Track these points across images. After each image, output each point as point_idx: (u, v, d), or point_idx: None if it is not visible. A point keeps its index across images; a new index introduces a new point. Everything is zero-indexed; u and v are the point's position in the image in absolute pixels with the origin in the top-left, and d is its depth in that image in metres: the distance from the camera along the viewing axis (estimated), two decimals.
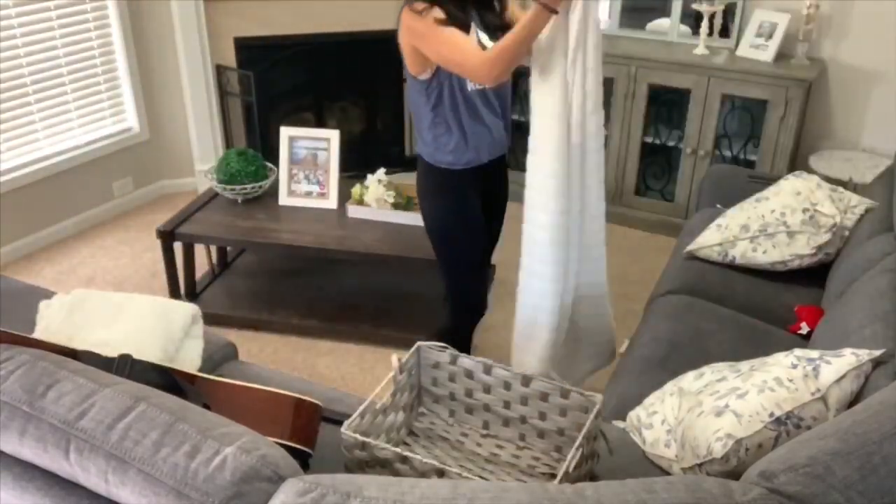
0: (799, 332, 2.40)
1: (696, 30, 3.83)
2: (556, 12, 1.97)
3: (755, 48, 3.66)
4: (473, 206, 2.39)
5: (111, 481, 1.27)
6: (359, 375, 2.96)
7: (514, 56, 2.03)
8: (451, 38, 2.07)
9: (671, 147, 3.92)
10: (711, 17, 3.70)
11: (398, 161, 4.59)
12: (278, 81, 4.26)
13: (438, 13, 2.07)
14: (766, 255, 2.63)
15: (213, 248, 3.52)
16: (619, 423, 1.97)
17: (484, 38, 2.19)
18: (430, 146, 2.29)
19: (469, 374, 1.78)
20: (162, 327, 1.94)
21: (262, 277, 3.52)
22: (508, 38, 2.01)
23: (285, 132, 3.30)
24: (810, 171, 3.39)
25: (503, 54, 2.01)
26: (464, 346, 2.57)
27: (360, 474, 1.50)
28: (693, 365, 2.06)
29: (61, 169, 3.86)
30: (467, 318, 2.58)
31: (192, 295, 3.35)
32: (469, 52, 2.05)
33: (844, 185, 3.27)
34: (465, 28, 2.13)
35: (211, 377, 1.68)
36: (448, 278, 2.50)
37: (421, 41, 2.10)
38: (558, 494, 1.17)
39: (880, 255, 2.28)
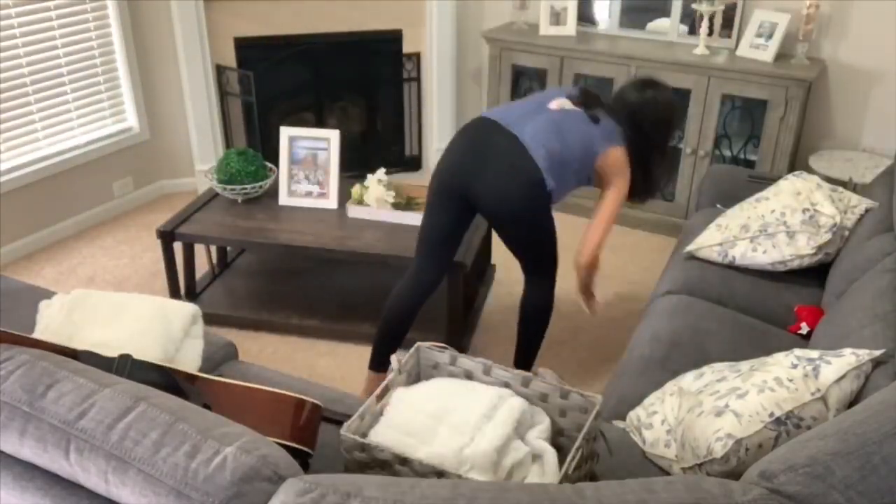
0: (799, 332, 2.40)
1: (692, 29, 3.83)
2: None
3: (755, 48, 3.66)
4: None
5: (111, 481, 1.27)
6: (359, 375, 2.96)
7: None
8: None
9: (671, 147, 3.92)
10: (711, 17, 3.70)
11: (398, 161, 4.59)
12: (278, 81, 4.26)
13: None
14: (766, 255, 2.63)
15: (213, 248, 3.52)
16: (619, 423, 1.97)
17: None
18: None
19: (469, 375, 1.78)
20: (162, 327, 1.94)
21: (262, 277, 3.52)
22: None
23: (285, 132, 3.30)
24: (810, 171, 3.39)
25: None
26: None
27: (360, 474, 1.50)
28: (693, 365, 2.06)
29: (61, 169, 3.86)
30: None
31: (192, 295, 3.35)
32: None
33: (844, 185, 3.27)
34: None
35: (211, 377, 1.68)
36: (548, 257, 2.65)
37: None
38: (558, 494, 1.17)
39: (880, 255, 2.28)
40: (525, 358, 2.73)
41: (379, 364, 2.69)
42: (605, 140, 2.50)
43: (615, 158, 2.51)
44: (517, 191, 2.39)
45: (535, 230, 2.50)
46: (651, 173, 2.63)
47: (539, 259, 2.60)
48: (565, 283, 3.55)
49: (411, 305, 2.64)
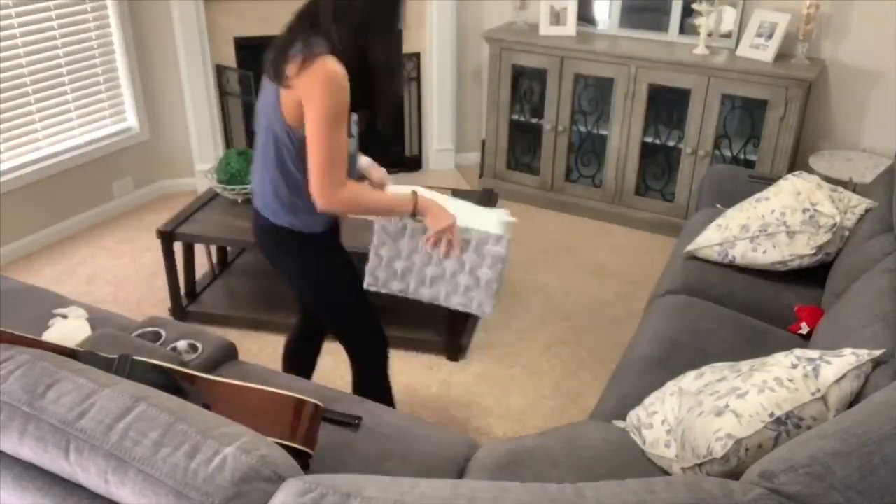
0: (799, 332, 2.40)
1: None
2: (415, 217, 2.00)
3: (755, 48, 3.66)
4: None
5: (111, 481, 1.27)
6: None
7: (357, 212, 1.97)
8: (340, 134, 1.88)
9: (671, 147, 3.92)
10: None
11: (398, 161, 4.59)
12: None
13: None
14: (766, 255, 2.63)
15: (213, 248, 3.52)
16: (619, 423, 1.97)
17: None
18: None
19: None
20: None
21: (262, 277, 3.52)
22: (371, 201, 1.98)
23: None
24: (810, 171, 3.39)
25: (352, 207, 1.93)
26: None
27: (360, 475, 1.50)
28: (693, 365, 2.06)
29: (61, 169, 3.86)
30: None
31: (192, 295, 3.35)
32: (338, 165, 1.87)
33: (844, 185, 3.27)
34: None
35: (211, 377, 1.68)
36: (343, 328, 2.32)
37: (316, 102, 1.83)
38: (558, 494, 1.17)
39: (880, 255, 2.28)
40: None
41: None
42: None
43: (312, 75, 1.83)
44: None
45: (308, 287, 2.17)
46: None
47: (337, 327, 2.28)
48: (566, 282, 3.55)
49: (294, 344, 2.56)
